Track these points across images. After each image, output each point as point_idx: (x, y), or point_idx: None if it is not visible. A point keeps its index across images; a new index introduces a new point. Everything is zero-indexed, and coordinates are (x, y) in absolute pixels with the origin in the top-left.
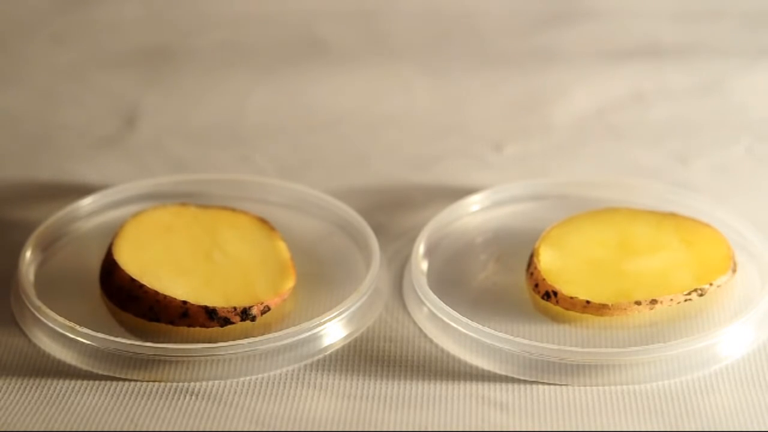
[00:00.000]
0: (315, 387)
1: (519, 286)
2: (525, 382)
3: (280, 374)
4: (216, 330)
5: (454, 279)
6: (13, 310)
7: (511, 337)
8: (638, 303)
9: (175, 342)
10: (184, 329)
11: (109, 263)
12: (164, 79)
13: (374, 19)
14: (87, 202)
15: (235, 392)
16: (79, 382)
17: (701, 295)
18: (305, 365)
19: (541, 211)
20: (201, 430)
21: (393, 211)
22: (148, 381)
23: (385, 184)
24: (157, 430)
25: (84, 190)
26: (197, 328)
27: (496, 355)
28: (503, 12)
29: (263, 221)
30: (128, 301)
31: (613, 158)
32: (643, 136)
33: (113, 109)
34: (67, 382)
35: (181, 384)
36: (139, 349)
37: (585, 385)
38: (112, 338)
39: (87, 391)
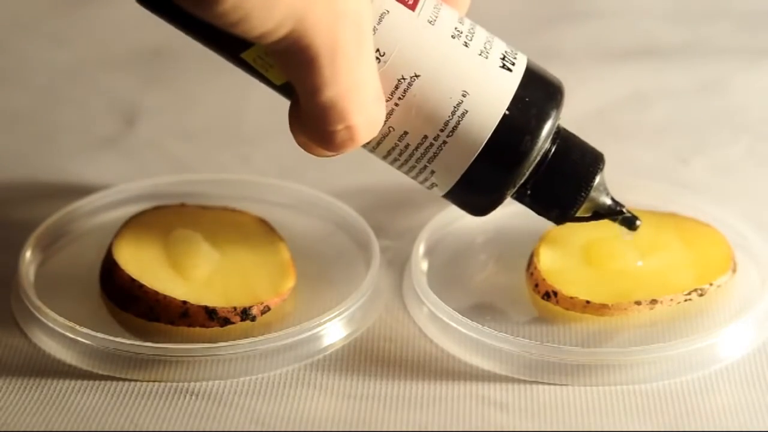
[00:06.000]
0: (315, 387)
1: (519, 286)
2: (525, 382)
3: (280, 374)
4: (216, 330)
5: (454, 279)
6: (13, 310)
7: (511, 337)
8: (638, 303)
9: (175, 342)
10: (184, 329)
11: (109, 263)
12: (164, 79)
13: None
14: (87, 202)
15: (235, 392)
16: (79, 382)
17: (701, 295)
18: (305, 365)
19: None
20: (201, 430)
21: (393, 211)
22: (148, 381)
23: (385, 184)
24: (157, 430)
25: (84, 190)
26: (197, 328)
27: (496, 355)
28: (503, 12)
29: (263, 221)
30: (128, 301)
31: (613, 158)
32: (643, 136)
33: (113, 109)
34: (67, 382)
35: (181, 384)
36: (139, 349)
37: (585, 385)
38: (112, 338)
39: (87, 391)
